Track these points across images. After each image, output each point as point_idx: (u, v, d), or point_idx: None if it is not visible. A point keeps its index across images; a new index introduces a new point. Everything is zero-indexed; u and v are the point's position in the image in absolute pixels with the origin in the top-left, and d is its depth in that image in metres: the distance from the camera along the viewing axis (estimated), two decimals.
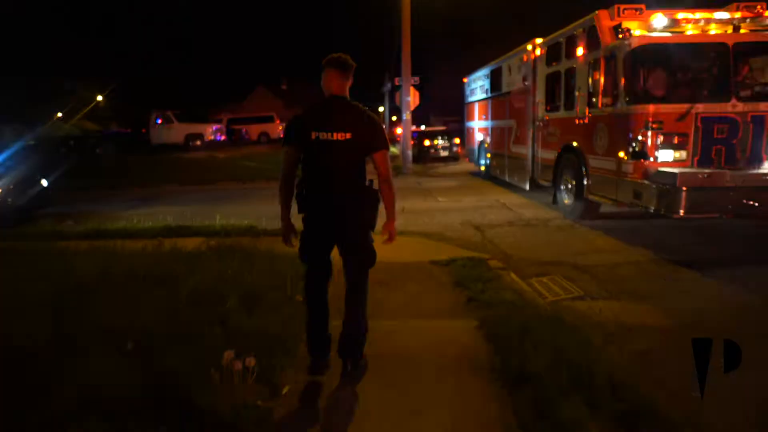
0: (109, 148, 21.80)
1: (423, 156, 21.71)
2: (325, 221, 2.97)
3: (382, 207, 3.07)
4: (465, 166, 20.11)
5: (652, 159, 6.15)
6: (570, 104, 8.24)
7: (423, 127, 32.84)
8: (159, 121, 22.01)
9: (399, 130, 40.04)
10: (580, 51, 7.76)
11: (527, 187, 10.52)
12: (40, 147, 21.40)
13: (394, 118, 61.51)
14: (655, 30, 6.44)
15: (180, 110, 22.76)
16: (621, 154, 6.54)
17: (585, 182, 7.67)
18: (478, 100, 14.96)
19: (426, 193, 12.35)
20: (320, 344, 3.10)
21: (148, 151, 22.06)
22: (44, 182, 10.53)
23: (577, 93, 7.81)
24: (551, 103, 9.32)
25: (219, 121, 31.78)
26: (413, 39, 16.49)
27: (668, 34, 6.44)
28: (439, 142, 22.38)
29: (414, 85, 16.56)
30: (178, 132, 21.90)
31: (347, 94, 3.00)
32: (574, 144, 8.08)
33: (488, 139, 13.89)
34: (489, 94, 13.70)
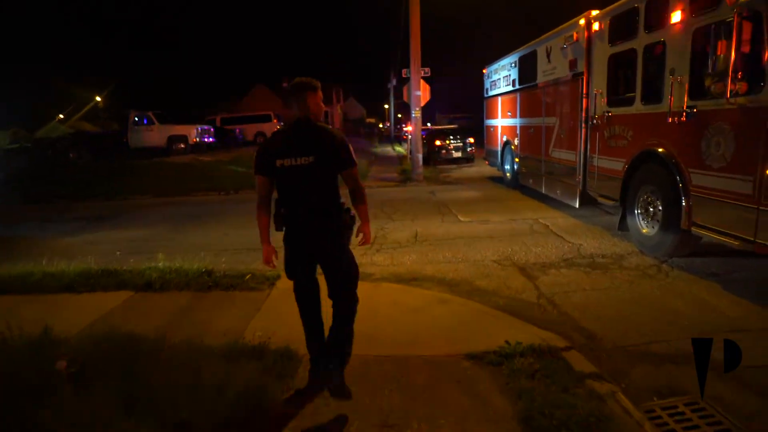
0: (84, 152, 19.51)
1: (434, 158, 19.33)
2: (301, 240, 3.02)
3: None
4: (481, 168, 17.80)
5: None
6: (653, 94, 5.83)
7: (429, 125, 30.43)
8: (141, 121, 19.65)
9: (408, 129, 37.88)
10: (674, 17, 5.35)
11: (576, 203, 8.11)
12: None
13: (399, 116, 59.51)
14: None
15: (162, 110, 20.41)
16: None
17: (683, 205, 5.27)
18: (502, 94, 12.55)
19: (442, 208, 9.96)
20: (319, 351, 3.16)
21: (127, 156, 19.78)
22: None
23: (669, 78, 5.39)
24: (616, 94, 6.90)
25: (212, 122, 29.58)
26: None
27: None
28: (452, 142, 19.99)
29: (424, 78, 14.15)
30: (159, 134, 19.47)
31: (315, 113, 2.96)
32: (660, 150, 5.67)
33: (516, 141, 11.48)
34: (517, 86, 11.29)
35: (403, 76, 14.67)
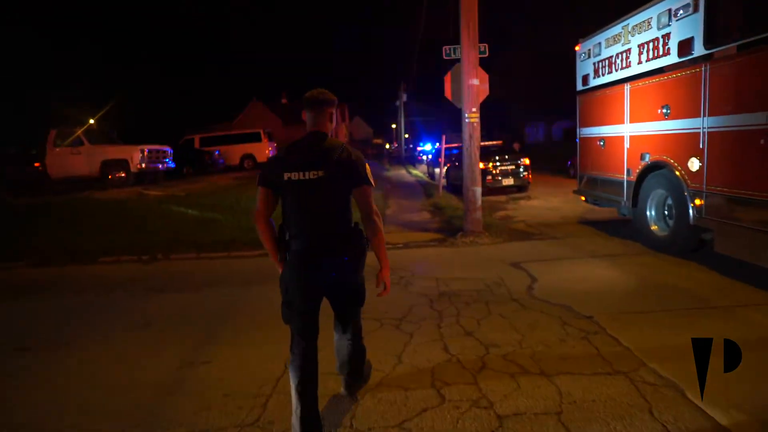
0: None
1: None
2: (311, 266, 2.58)
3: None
4: (547, 201, 12.23)
5: None
6: None
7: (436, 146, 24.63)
8: (63, 142, 14.10)
9: (423, 147, 31.98)
10: None
11: None
12: None
13: (407, 136, 54.30)
14: None
15: (97, 125, 14.89)
16: None
17: None
18: (635, 78, 6.86)
19: (598, 338, 4.08)
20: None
21: (47, 190, 14.20)
22: None
23: None
24: None
25: (190, 142, 24.16)
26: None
27: None
28: (499, 164, 14.31)
29: (482, 58, 8.44)
30: (89, 159, 13.85)
31: (327, 128, 2.70)
32: None
33: (695, 163, 5.70)
34: (699, 52, 5.60)
35: (444, 56, 8.99)
